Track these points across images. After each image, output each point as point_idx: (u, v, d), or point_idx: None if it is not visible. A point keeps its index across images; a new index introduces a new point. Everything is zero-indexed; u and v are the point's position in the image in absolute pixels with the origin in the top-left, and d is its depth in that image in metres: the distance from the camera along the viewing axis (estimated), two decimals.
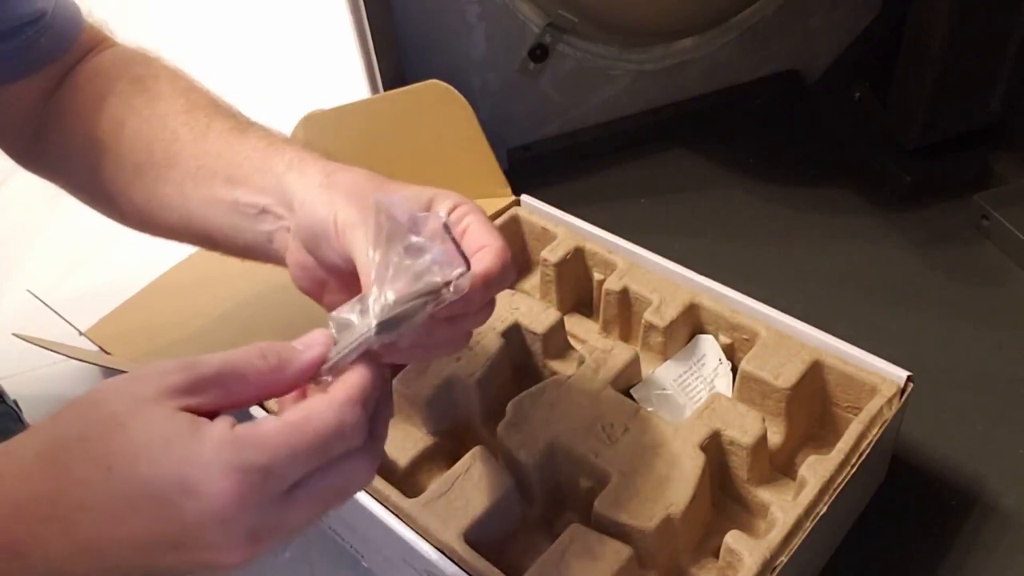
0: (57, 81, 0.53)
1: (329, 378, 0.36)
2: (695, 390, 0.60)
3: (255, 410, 0.57)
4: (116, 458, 0.32)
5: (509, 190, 0.73)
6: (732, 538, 0.48)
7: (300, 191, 0.43)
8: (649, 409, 0.55)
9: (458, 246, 0.37)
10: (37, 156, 0.55)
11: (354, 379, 0.35)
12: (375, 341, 0.35)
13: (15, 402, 0.66)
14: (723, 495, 0.55)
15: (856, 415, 0.53)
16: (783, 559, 0.47)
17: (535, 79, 0.86)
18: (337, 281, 0.43)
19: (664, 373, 0.60)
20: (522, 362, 0.61)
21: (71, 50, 0.53)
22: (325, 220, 0.40)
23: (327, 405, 0.33)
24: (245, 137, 0.48)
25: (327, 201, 0.41)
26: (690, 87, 0.93)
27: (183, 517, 0.31)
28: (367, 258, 0.38)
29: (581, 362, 0.58)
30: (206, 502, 0.31)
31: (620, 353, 0.58)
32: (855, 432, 0.52)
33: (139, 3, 1.32)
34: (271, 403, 0.49)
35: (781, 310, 0.58)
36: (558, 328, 0.61)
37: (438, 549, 0.49)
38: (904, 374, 0.54)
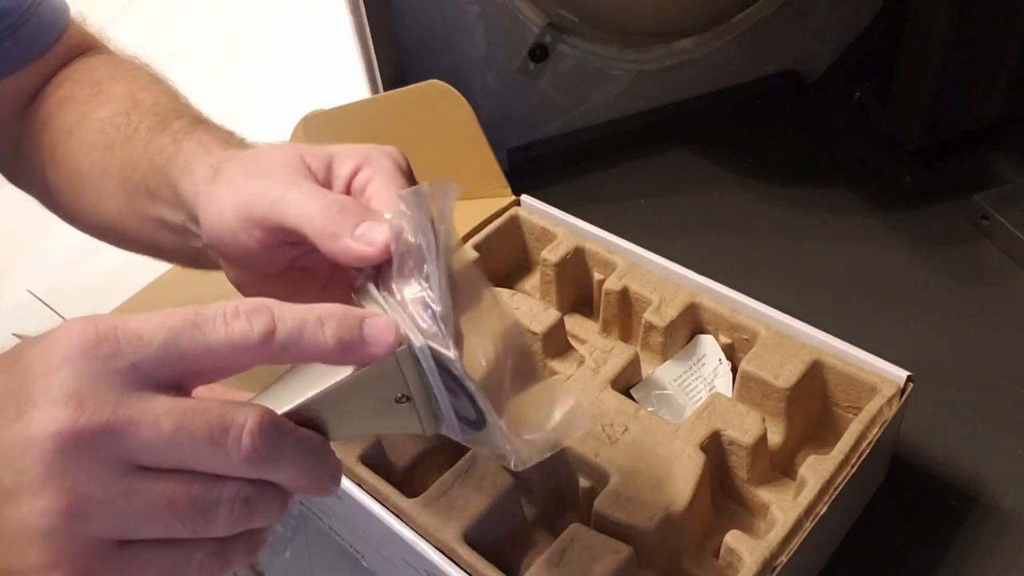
0: (37, 90, 0.51)
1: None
2: (695, 390, 0.60)
3: None
4: None
5: (509, 190, 0.73)
6: (732, 538, 0.48)
7: (193, 201, 0.40)
8: (649, 409, 0.55)
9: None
10: (16, 167, 0.53)
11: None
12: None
13: None
14: (723, 495, 0.55)
15: (856, 415, 0.53)
16: (783, 559, 0.47)
17: (535, 79, 0.86)
18: (290, 283, 0.40)
19: (664, 373, 0.60)
20: None
21: (46, 57, 0.50)
22: (223, 222, 0.37)
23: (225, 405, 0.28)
24: (160, 136, 0.44)
25: (220, 215, 0.37)
26: (690, 87, 0.93)
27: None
28: (309, 208, 0.35)
29: (581, 362, 0.58)
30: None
31: (620, 353, 0.58)
32: (855, 432, 0.52)
33: (140, 4, 1.32)
34: None
35: (781, 310, 0.58)
36: (558, 328, 0.61)
37: (438, 549, 0.49)
38: (904, 374, 0.54)
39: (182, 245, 0.44)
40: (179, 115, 0.46)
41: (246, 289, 0.41)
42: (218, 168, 0.39)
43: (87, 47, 0.54)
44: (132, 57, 0.53)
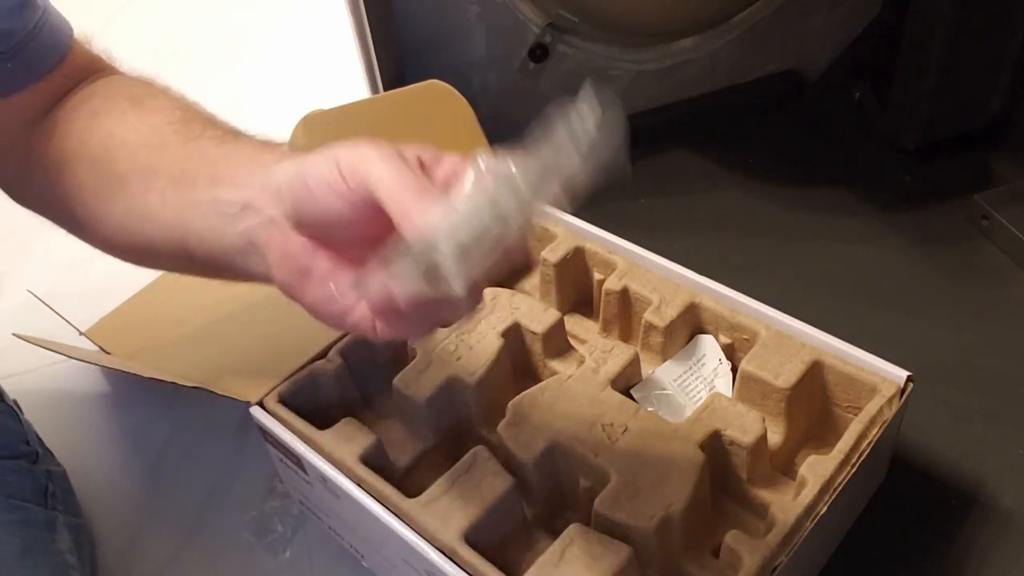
0: (42, 108, 0.52)
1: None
2: (695, 390, 0.60)
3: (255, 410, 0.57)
4: None
5: None
6: (732, 538, 0.48)
7: (293, 164, 0.41)
8: (649, 409, 0.55)
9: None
10: (22, 184, 0.54)
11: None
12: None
13: (15, 401, 0.66)
14: (723, 495, 0.55)
15: (856, 415, 0.53)
16: (783, 559, 0.47)
17: (535, 79, 0.86)
18: (328, 258, 0.41)
19: (664, 373, 0.60)
20: (522, 362, 0.61)
21: (51, 76, 0.51)
22: (327, 170, 0.39)
23: None
24: (237, 141, 0.47)
25: (326, 157, 0.40)
26: (690, 87, 0.93)
27: None
28: (391, 178, 0.37)
29: (581, 362, 0.58)
30: None
31: (620, 353, 0.58)
32: (855, 432, 0.52)
33: (140, 4, 1.32)
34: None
35: (781, 310, 0.58)
36: (558, 328, 0.61)
37: (438, 549, 0.49)
38: (904, 374, 0.54)
39: (223, 228, 0.44)
40: (247, 133, 0.48)
41: (286, 264, 0.42)
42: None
43: (95, 68, 0.55)
44: (151, 80, 0.54)
